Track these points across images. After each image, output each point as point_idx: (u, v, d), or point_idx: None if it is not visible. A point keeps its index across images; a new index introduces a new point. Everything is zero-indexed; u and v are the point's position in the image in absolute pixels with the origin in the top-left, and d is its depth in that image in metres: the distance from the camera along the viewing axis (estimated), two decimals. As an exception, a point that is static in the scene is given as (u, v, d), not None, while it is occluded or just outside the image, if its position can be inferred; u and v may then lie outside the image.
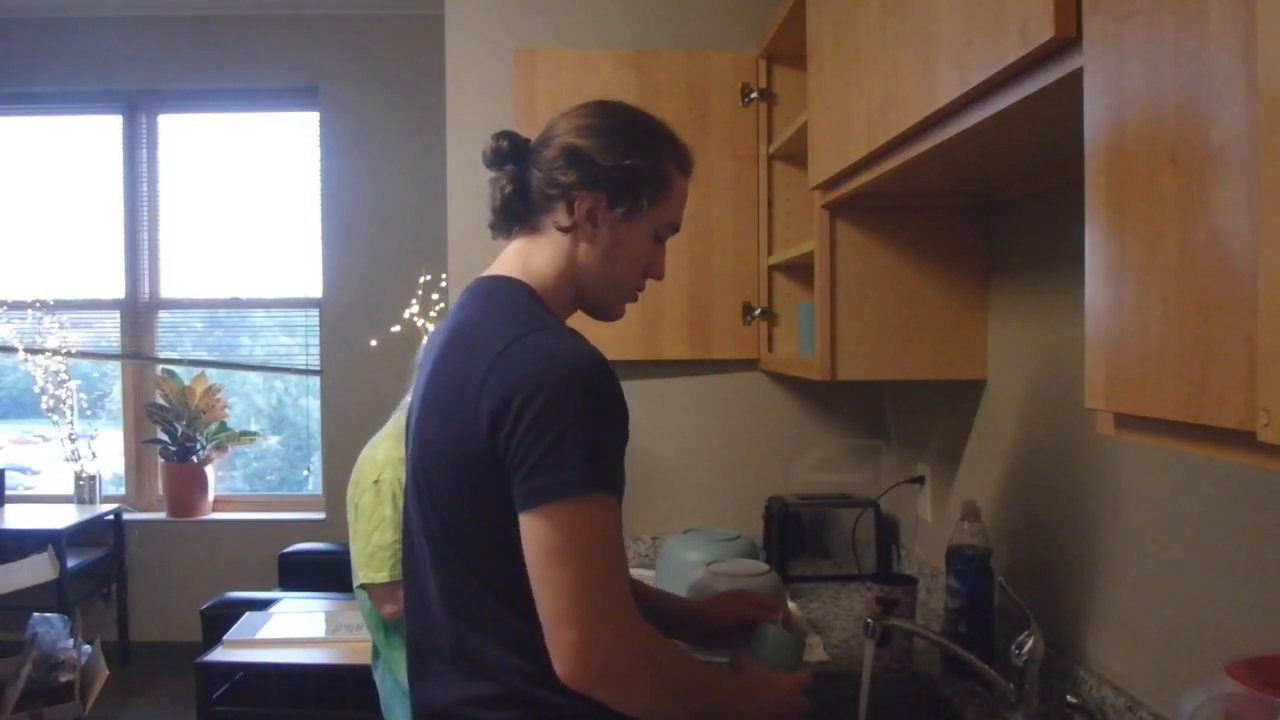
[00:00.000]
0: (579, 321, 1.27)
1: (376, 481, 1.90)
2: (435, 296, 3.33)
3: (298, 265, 4.54)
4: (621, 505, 1.10)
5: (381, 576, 1.86)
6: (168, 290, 4.57)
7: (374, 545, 1.87)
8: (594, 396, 1.07)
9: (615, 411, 1.09)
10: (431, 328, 3.22)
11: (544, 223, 1.23)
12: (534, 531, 1.06)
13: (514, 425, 1.05)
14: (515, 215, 1.25)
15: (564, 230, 1.21)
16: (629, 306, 1.32)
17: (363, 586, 1.91)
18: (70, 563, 3.85)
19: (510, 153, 1.24)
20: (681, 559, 2.04)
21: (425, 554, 1.21)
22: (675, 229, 1.30)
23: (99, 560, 4.18)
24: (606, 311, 1.30)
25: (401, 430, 1.84)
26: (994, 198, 1.76)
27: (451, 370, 1.16)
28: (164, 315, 4.58)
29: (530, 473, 1.05)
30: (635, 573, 2.32)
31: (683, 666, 1.14)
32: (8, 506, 4.29)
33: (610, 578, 1.07)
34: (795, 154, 2.27)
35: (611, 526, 1.08)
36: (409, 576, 1.27)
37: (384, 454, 1.94)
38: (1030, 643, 1.39)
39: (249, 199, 4.54)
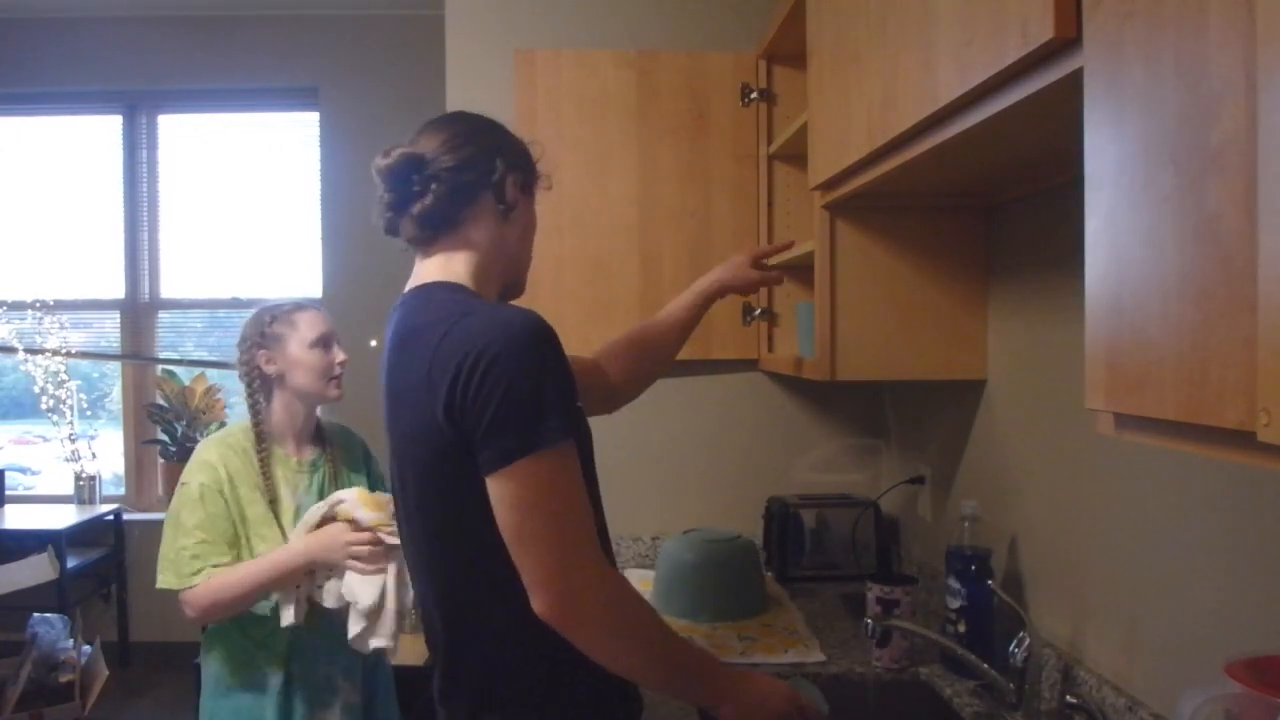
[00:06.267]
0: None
1: (184, 484, 1.81)
2: (435, 296, 3.34)
3: (298, 265, 4.53)
4: (577, 452, 1.15)
5: (176, 582, 1.76)
6: (168, 290, 4.56)
7: (176, 548, 1.77)
8: (534, 354, 1.11)
9: (557, 364, 1.14)
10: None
11: (467, 217, 1.28)
12: (500, 491, 1.11)
13: (464, 394, 1.09)
14: (443, 220, 1.27)
15: (503, 212, 1.29)
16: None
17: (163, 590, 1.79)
18: (70, 563, 3.85)
19: (413, 164, 1.26)
20: (681, 559, 2.04)
21: (417, 564, 1.27)
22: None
23: (99, 560, 4.17)
24: (523, 285, 1.39)
25: (238, 435, 1.88)
26: (994, 198, 1.76)
27: (401, 372, 1.21)
28: (164, 315, 4.58)
29: (486, 436, 1.10)
30: (635, 574, 2.32)
31: (648, 615, 1.19)
32: (8, 507, 4.29)
33: (573, 523, 1.13)
34: (795, 154, 2.27)
35: (570, 474, 1.13)
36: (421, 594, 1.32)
37: (205, 455, 1.84)
38: (1028, 642, 1.39)
39: (249, 199, 4.53)
